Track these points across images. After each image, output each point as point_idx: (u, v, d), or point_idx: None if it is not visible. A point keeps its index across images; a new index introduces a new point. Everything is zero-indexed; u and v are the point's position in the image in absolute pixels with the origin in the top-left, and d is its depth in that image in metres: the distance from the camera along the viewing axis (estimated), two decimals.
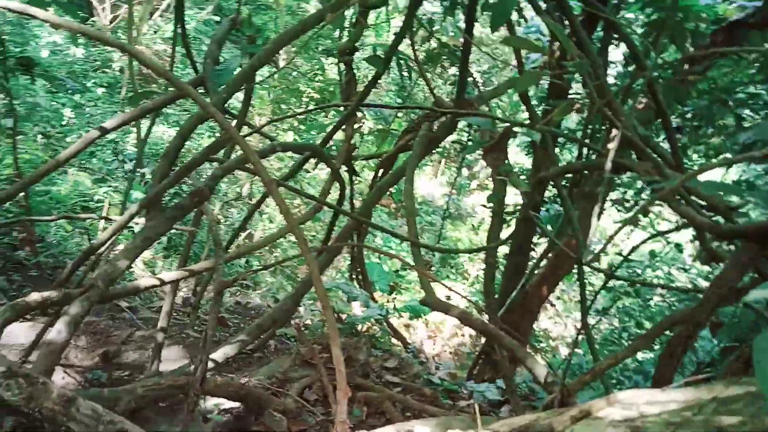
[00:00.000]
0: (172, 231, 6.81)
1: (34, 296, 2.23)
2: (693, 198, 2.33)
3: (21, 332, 3.31)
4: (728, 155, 6.15)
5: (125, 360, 3.55)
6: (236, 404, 2.94)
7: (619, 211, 8.51)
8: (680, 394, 1.39)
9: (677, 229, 2.36)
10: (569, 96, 4.42)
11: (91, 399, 1.79)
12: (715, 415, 1.22)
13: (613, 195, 8.38)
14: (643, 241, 2.30)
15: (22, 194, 4.07)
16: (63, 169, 6.32)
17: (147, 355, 3.58)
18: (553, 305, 11.93)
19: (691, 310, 1.89)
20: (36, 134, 6.48)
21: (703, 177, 2.45)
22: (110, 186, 6.63)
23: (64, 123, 7.05)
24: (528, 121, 3.29)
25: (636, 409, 1.43)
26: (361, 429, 2.93)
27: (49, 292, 2.25)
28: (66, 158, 2.43)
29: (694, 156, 7.21)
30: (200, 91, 2.62)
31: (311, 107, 6.20)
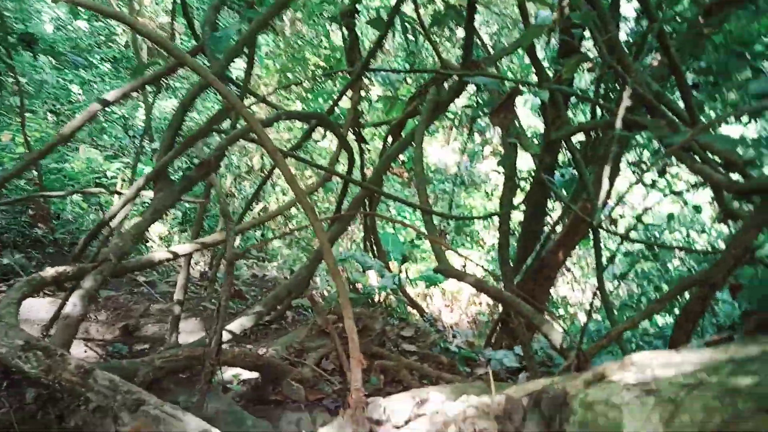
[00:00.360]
0: (187, 205, 6.86)
1: (50, 271, 2.26)
2: (710, 156, 2.27)
3: (42, 307, 3.37)
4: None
5: (145, 333, 3.61)
6: (254, 374, 2.99)
7: (635, 173, 8.38)
8: (695, 356, 1.36)
9: (693, 188, 2.30)
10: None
11: (110, 370, 1.81)
12: (731, 375, 1.19)
13: (630, 157, 8.24)
14: (658, 202, 2.24)
15: (35, 173, 4.11)
16: (74, 146, 6.35)
17: (166, 327, 3.63)
18: (570, 271, 11.89)
19: (707, 271, 1.85)
20: (45, 112, 6.50)
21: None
22: (122, 162, 6.66)
23: (72, 100, 7.05)
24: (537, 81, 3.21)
25: (650, 372, 1.41)
26: (379, 396, 2.96)
27: (63, 267, 2.28)
28: (70, 132, 2.42)
29: (711, 113, 7.02)
30: (201, 59, 2.58)
31: (316, 75, 6.11)
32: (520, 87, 2.45)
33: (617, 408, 1.37)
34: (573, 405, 1.50)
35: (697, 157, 2.24)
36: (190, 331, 3.77)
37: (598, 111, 4.86)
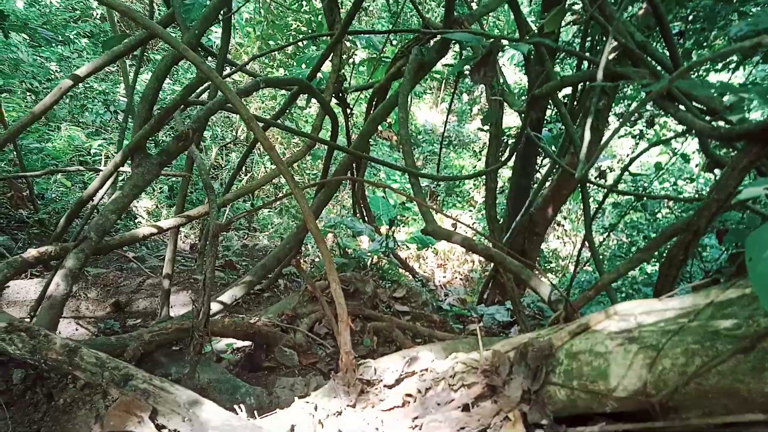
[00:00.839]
0: (174, 180, 6.80)
1: (32, 252, 2.24)
2: (695, 105, 2.24)
3: (31, 289, 3.36)
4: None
5: (136, 308, 3.61)
6: (247, 343, 3.01)
7: (623, 125, 8.34)
8: (677, 302, 1.37)
9: (676, 137, 2.28)
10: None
11: (99, 347, 1.81)
12: (711, 319, 1.20)
13: (619, 110, 8.20)
14: (643, 150, 2.23)
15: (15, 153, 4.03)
16: (56, 124, 6.24)
17: (157, 302, 3.64)
18: (561, 225, 11.98)
19: (691, 217, 1.85)
20: (24, 91, 6.36)
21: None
22: (105, 138, 6.56)
23: (50, 77, 6.89)
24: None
25: (633, 320, 1.42)
26: (372, 358, 2.99)
27: (45, 247, 2.25)
28: (42, 110, 2.36)
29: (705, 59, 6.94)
30: (175, 31, 2.50)
31: (295, 40, 5.97)
32: (502, 42, 2.39)
33: (602, 356, 1.38)
34: (558, 356, 1.51)
35: (681, 106, 2.22)
36: (182, 304, 3.78)
37: (585, 65, 4.80)
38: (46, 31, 3.21)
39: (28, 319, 2.20)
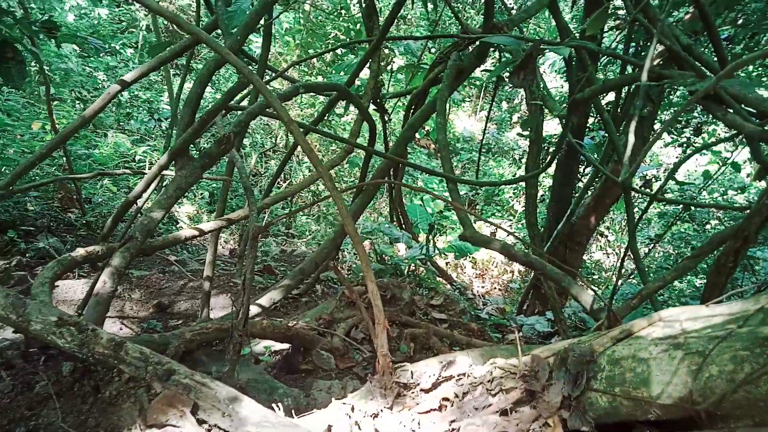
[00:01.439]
0: (214, 186, 6.95)
1: (79, 251, 2.32)
2: (745, 108, 2.17)
3: (78, 288, 3.48)
4: None
5: (178, 310, 3.70)
6: (285, 346, 3.04)
7: (670, 133, 8.12)
8: (725, 308, 1.32)
9: (722, 141, 2.20)
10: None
11: (142, 344, 1.86)
12: (762, 325, 1.15)
13: (666, 117, 7.99)
14: (689, 155, 2.16)
15: (65, 159, 4.20)
16: (103, 132, 6.47)
17: (198, 304, 3.71)
18: (604, 236, 11.70)
19: (740, 223, 1.78)
20: (73, 100, 6.62)
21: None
22: (149, 145, 6.77)
23: (98, 86, 7.16)
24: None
25: (678, 326, 1.38)
26: (406, 362, 2.98)
27: (92, 246, 2.33)
28: (92, 114, 2.45)
29: (750, 68, 6.72)
30: (216, 35, 2.57)
31: (333, 47, 6.05)
32: (542, 46, 2.37)
33: (645, 362, 1.34)
34: (600, 361, 1.48)
35: (730, 110, 2.15)
36: (221, 307, 3.85)
37: (630, 70, 4.70)
38: (95, 40, 3.33)
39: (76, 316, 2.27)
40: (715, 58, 2.72)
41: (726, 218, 7.92)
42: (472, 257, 9.63)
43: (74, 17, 7.37)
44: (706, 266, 6.86)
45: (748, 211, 2.28)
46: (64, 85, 6.59)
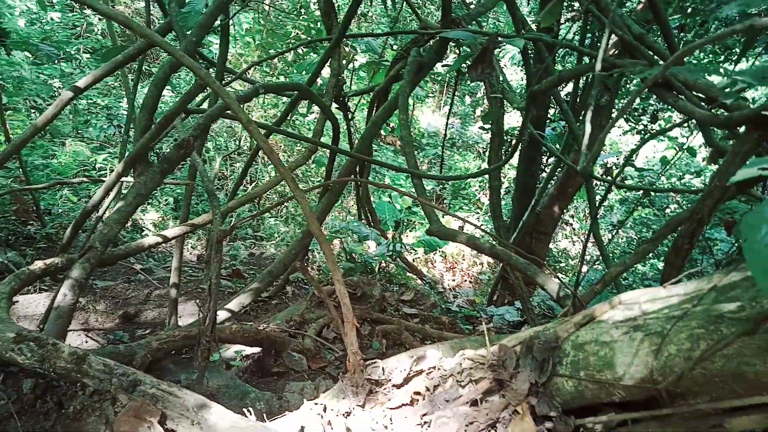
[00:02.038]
0: (179, 191, 6.83)
1: (38, 264, 2.25)
2: (695, 95, 2.23)
3: (39, 302, 3.38)
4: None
5: (145, 319, 3.63)
6: (257, 349, 3.01)
7: (627, 121, 8.32)
8: (681, 288, 1.36)
9: (675, 126, 2.27)
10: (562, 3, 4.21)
11: (108, 356, 1.82)
12: (715, 303, 1.19)
13: (621, 106, 8.16)
14: (646, 140, 2.22)
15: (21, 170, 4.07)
16: (60, 140, 6.29)
17: (165, 312, 3.65)
18: (569, 224, 11.93)
19: (694, 206, 1.84)
20: (28, 109, 6.42)
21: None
22: (109, 152, 6.61)
23: (53, 95, 6.96)
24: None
25: (638, 308, 1.42)
26: (377, 359, 2.99)
27: (51, 259, 2.27)
28: (44, 122, 2.37)
29: (701, 55, 6.92)
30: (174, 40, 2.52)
31: (294, 46, 5.99)
32: (498, 39, 2.39)
33: (607, 345, 1.38)
34: (565, 347, 1.51)
35: (681, 96, 2.22)
36: (190, 314, 3.79)
37: (586, 61, 4.79)
38: (48, 47, 3.24)
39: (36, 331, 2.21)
40: (666, 47, 2.80)
41: (685, 202, 8.17)
42: (442, 251, 9.69)
43: (25, 23, 7.13)
44: (666, 249, 7.07)
45: (701, 190, 2.36)
46: (18, 94, 6.37)
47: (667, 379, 1.22)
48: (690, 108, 1.97)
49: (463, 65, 3.24)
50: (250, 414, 1.72)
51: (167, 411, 1.55)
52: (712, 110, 2.08)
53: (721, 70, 1.62)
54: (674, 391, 1.23)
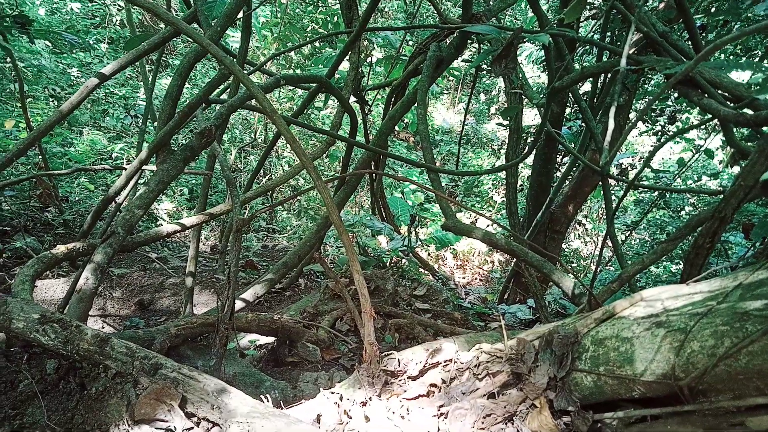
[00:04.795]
0: (194, 182, 6.88)
1: (60, 248, 2.29)
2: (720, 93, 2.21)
3: (58, 287, 3.43)
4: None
5: (160, 307, 3.67)
6: (271, 339, 3.03)
7: (644, 122, 8.25)
8: (705, 285, 1.36)
9: (698, 126, 2.25)
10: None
11: (128, 339, 1.84)
12: (741, 300, 1.19)
13: (641, 106, 8.09)
14: (665, 141, 2.20)
15: (40, 157, 4.12)
16: (78, 129, 6.35)
17: (180, 300, 3.69)
18: (582, 225, 11.86)
19: (717, 205, 1.82)
20: (47, 97, 6.49)
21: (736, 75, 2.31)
22: (126, 142, 6.67)
23: (72, 83, 7.03)
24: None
25: (660, 305, 1.41)
26: (393, 350, 3.00)
27: (73, 243, 2.30)
28: (69, 109, 2.40)
29: (722, 56, 6.85)
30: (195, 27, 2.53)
31: (313, 39, 5.99)
32: (522, 34, 2.39)
33: (628, 341, 1.37)
34: (584, 342, 1.51)
35: (705, 95, 2.20)
36: (204, 304, 3.82)
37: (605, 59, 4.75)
38: (70, 35, 3.27)
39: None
40: (690, 45, 2.78)
41: (700, 204, 8.09)
42: (453, 248, 9.69)
43: (45, 12, 7.20)
44: (680, 252, 7.00)
45: (722, 195, 2.34)
46: (37, 83, 6.45)
47: (689, 375, 1.21)
48: (715, 106, 1.95)
49: (485, 61, 3.22)
50: (267, 401, 1.73)
51: (187, 395, 1.57)
52: (738, 109, 2.06)
53: (753, 65, 1.60)
54: (696, 388, 1.23)
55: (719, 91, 2.15)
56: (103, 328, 3.20)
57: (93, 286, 2.04)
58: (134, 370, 1.62)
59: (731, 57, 6.78)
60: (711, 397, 1.22)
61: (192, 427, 1.54)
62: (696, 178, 8.88)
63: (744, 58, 6.65)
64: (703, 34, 5.42)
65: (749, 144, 3.40)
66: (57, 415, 1.61)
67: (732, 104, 2.15)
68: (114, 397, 1.62)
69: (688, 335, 1.22)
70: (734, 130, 2.76)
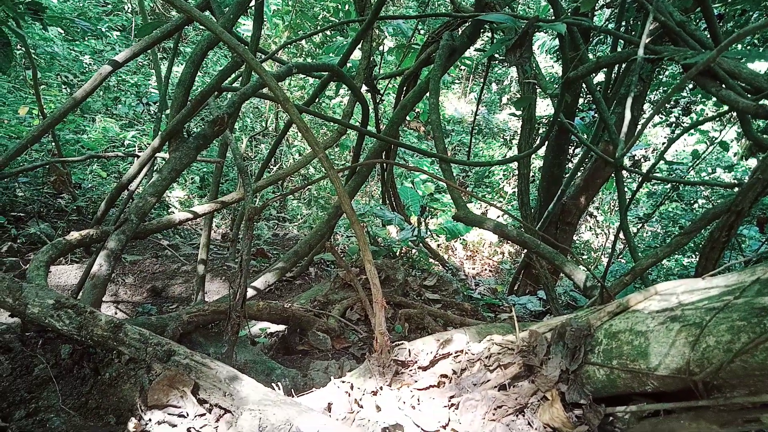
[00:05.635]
0: (205, 170, 6.90)
1: (74, 235, 2.30)
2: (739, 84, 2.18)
3: (72, 273, 3.46)
4: None
5: (172, 294, 3.69)
6: (281, 328, 3.05)
7: (659, 113, 8.16)
8: (722, 280, 1.34)
9: (715, 117, 2.22)
10: None
11: (141, 326, 1.86)
12: (758, 296, 1.17)
13: (655, 98, 8.00)
14: (681, 133, 2.18)
15: (53, 144, 4.15)
16: (90, 116, 6.38)
17: (192, 288, 3.71)
18: (593, 217, 11.80)
19: (734, 198, 1.80)
20: (60, 84, 6.52)
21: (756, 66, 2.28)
22: (138, 130, 6.69)
23: (84, 70, 7.05)
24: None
25: (675, 299, 1.40)
26: (404, 340, 3.00)
27: (87, 230, 2.32)
28: (83, 96, 2.41)
29: (738, 47, 6.74)
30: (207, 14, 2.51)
31: (325, 27, 5.96)
32: (537, 23, 2.36)
33: (642, 335, 1.36)
34: (597, 335, 1.50)
35: (723, 86, 2.16)
36: (215, 291, 3.85)
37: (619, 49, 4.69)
38: (83, 22, 3.27)
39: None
40: (708, 35, 2.73)
41: (713, 197, 8.01)
42: (463, 239, 9.68)
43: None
44: (693, 245, 6.94)
45: (737, 188, 2.31)
46: (50, 70, 6.48)
47: (704, 370, 1.20)
48: (733, 98, 1.92)
49: (499, 50, 3.20)
50: (279, 389, 1.74)
51: (200, 381, 1.58)
52: (757, 101, 2.03)
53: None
54: (710, 384, 1.21)
55: (737, 83, 2.12)
56: (116, 314, 3.23)
57: (107, 273, 2.05)
58: (147, 357, 1.64)
59: (748, 48, 6.68)
60: (726, 393, 1.21)
61: (204, 414, 1.55)
62: (710, 171, 8.78)
63: (761, 49, 6.54)
64: (721, 24, 5.33)
65: (767, 136, 3.36)
66: (71, 399, 1.63)
67: (750, 96, 2.12)
68: (127, 382, 1.64)
69: (704, 330, 1.21)
70: (752, 121, 2.73)
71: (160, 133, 2.27)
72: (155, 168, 3.64)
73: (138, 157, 2.69)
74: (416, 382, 1.80)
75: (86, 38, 7.29)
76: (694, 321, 1.26)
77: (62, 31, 7.03)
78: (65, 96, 6.39)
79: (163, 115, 4.39)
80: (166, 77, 3.96)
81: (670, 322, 1.32)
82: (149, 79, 7.98)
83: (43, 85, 6.07)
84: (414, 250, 5.45)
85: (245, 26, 7.49)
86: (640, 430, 1.37)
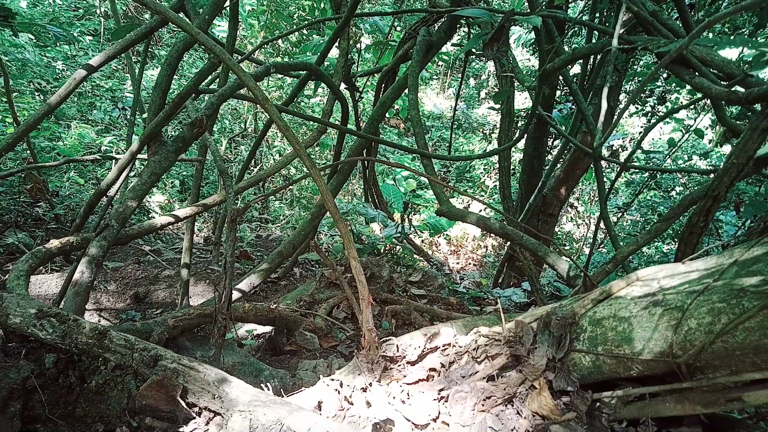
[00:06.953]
0: (185, 173, 6.84)
1: (54, 243, 2.27)
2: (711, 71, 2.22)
3: (52, 282, 3.41)
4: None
5: (155, 299, 3.66)
6: (268, 329, 3.03)
7: (635, 103, 8.27)
8: (701, 263, 1.37)
9: (689, 105, 2.25)
10: None
11: (125, 332, 1.84)
12: (737, 277, 1.20)
13: (630, 88, 8.11)
14: (657, 121, 2.21)
15: (29, 152, 4.08)
16: (66, 123, 6.28)
17: (176, 292, 3.68)
18: (574, 207, 11.92)
19: (710, 183, 1.83)
20: (32, 91, 6.40)
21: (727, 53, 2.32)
22: (115, 135, 6.60)
23: (57, 77, 6.93)
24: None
25: (656, 284, 1.42)
26: (391, 336, 3.00)
27: (67, 237, 2.28)
28: (58, 101, 2.37)
29: (710, 36, 6.85)
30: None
31: (301, 26, 5.94)
32: (513, 17, 2.37)
33: (626, 321, 1.39)
34: (582, 323, 1.52)
35: (696, 73, 2.20)
36: (199, 295, 3.82)
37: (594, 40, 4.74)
38: (55, 28, 3.22)
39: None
40: (680, 24, 2.77)
41: (691, 184, 8.14)
42: (447, 234, 9.72)
43: (27, 4, 7.08)
44: (672, 232, 7.06)
45: (713, 174, 2.35)
46: (22, 77, 6.35)
47: (686, 353, 1.23)
48: (706, 85, 1.96)
49: (476, 45, 3.21)
50: (268, 389, 1.74)
51: (188, 385, 1.57)
52: (729, 87, 2.07)
53: (747, 41, 1.61)
54: (693, 365, 1.24)
55: (710, 70, 2.16)
56: (99, 321, 3.18)
57: (89, 280, 2.03)
58: (134, 362, 1.62)
59: (719, 36, 6.79)
60: (708, 374, 1.24)
61: (194, 417, 1.54)
62: (686, 158, 8.93)
63: (732, 36, 6.66)
64: (693, 13, 5.42)
65: (740, 122, 3.43)
66: (58, 408, 1.61)
67: (723, 82, 2.16)
68: (115, 389, 1.62)
69: (686, 313, 1.24)
70: (725, 108, 2.78)
71: (138, 137, 2.25)
72: (134, 173, 3.60)
73: (116, 159, 2.65)
74: (405, 376, 1.81)
75: (58, 44, 7.16)
76: (676, 305, 1.28)
77: (33, 38, 6.90)
78: (39, 103, 6.28)
79: (137, 119, 4.36)
80: (138, 80, 3.91)
81: (652, 306, 1.34)
82: (124, 84, 7.88)
83: (15, 92, 5.95)
84: (398, 247, 5.46)
85: (220, 27, 7.43)
86: (627, 414, 1.40)
